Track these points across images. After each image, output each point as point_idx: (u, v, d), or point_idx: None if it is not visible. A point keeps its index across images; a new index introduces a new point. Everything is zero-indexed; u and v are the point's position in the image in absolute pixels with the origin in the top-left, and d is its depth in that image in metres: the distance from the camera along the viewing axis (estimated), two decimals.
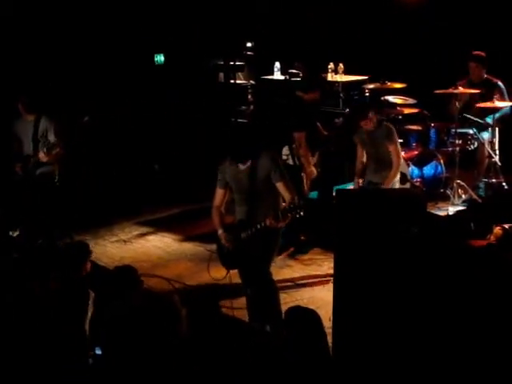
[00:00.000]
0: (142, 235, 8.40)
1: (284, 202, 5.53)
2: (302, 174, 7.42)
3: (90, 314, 4.89)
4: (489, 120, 8.16)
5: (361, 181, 7.16)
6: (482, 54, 8.26)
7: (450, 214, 7.58)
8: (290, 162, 7.39)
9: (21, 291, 5.09)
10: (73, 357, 4.54)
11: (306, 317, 4.09)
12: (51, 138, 7.40)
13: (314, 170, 7.44)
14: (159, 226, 8.62)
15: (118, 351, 3.89)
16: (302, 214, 5.22)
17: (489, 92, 8.02)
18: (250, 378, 3.97)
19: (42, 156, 7.28)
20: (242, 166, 5.57)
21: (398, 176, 7.05)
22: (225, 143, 5.69)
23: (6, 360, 4.44)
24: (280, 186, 5.49)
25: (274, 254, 5.74)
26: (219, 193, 5.75)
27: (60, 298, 4.89)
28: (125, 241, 8.19)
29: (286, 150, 7.46)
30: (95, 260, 5.72)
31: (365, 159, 7.23)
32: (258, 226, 5.42)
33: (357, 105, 7.72)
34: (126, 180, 9.48)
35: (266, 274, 5.69)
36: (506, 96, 8.19)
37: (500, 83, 8.20)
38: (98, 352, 4.61)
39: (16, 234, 6.82)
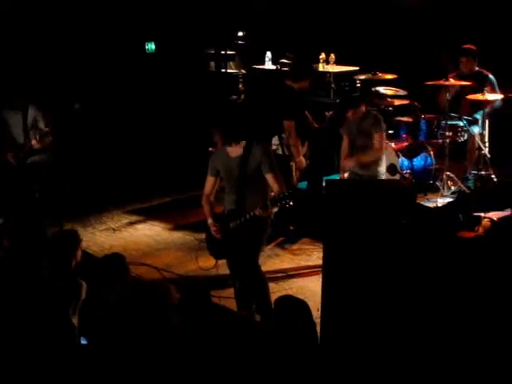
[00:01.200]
0: (132, 224, 8.38)
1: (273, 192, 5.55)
2: (292, 164, 7.41)
3: (80, 303, 4.90)
4: (477, 116, 8.18)
5: (346, 174, 7.14)
6: (473, 47, 8.27)
7: (439, 205, 7.60)
8: (280, 151, 7.39)
9: (11, 279, 5.08)
10: (60, 348, 4.53)
11: (296, 306, 4.10)
12: (42, 126, 7.39)
13: (303, 159, 7.43)
14: (149, 215, 8.61)
15: (106, 340, 3.90)
16: (290, 204, 5.23)
17: (480, 84, 8.03)
18: (241, 366, 3.98)
19: (34, 143, 7.28)
20: (233, 155, 5.57)
21: (384, 167, 7.02)
22: (216, 123, 5.70)
23: None
24: (269, 177, 5.49)
25: (262, 244, 5.75)
26: (210, 180, 5.76)
27: (49, 287, 4.88)
28: (114, 229, 8.18)
29: (275, 140, 7.44)
30: (85, 248, 5.69)
31: (346, 154, 7.18)
32: (247, 216, 5.44)
33: (349, 96, 7.70)
34: (116, 168, 9.45)
35: (254, 265, 5.70)
36: (497, 88, 8.21)
37: (491, 76, 8.22)
38: (84, 342, 4.61)
39: (0, 221, 6.80)
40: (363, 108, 6.92)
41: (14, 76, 8.10)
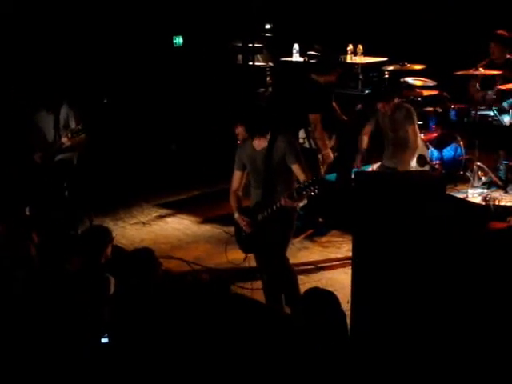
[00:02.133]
0: (161, 217, 8.43)
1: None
2: (319, 157, 7.39)
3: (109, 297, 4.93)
4: (505, 105, 8.07)
5: (375, 166, 7.13)
6: (505, 33, 8.13)
7: (470, 196, 7.54)
8: (307, 145, 7.37)
9: (40, 275, 5.12)
10: (87, 343, 4.56)
11: (323, 298, 4.09)
12: (72, 124, 7.42)
13: (330, 152, 7.40)
14: (178, 209, 8.65)
15: (135, 334, 3.91)
16: (316, 191, 5.19)
17: (511, 73, 7.92)
18: (271, 359, 3.99)
19: (65, 140, 7.29)
20: (258, 148, 5.56)
21: (414, 159, 6.99)
22: (238, 116, 5.70)
23: (18, 343, 4.48)
24: (295, 168, 5.48)
25: (289, 237, 5.74)
26: (237, 175, 5.76)
27: (78, 283, 4.91)
28: (144, 223, 8.23)
29: (302, 133, 7.43)
30: (115, 242, 5.72)
31: (366, 138, 7.18)
32: (274, 207, 5.42)
33: (381, 89, 7.65)
34: (145, 162, 9.50)
35: (282, 258, 5.69)
36: None
37: None
38: (105, 340, 4.61)
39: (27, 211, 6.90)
40: (395, 100, 6.89)
41: (45, 75, 8.15)
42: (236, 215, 5.70)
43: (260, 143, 5.57)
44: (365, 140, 7.27)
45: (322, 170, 7.45)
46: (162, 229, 8.08)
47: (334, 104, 7.68)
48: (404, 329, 4.61)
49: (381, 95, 7.03)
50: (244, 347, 4.05)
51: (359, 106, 8.02)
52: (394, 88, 7.38)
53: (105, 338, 4.58)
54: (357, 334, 4.71)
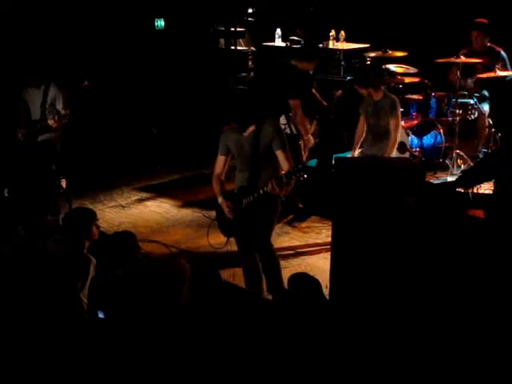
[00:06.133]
0: (141, 201, 8.42)
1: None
2: (300, 143, 7.40)
3: (89, 279, 4.92)
4: (486, 93, 8.12)
5: (357, 153, 7.16)
6: (485, 21, 8.18)
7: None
8: (288, 130, 7.37)
9: (21, 256, 5.10)
10: (68, 323, 4.56)
11: (311, 284, 4.13)
12: (59, 106, 7.38)
13: (311, 138, 7.42)
14: (158, 192, 8.64)
15: (122, 314, 3.92)
16: (305, 176, 5.18)
17: (491, 61, 7.97)
18: (251, 342, 4.01)
19: (51, 122, 7.27)
20: (245, 133, 5.55)
21: (395, 150, 7.02)
22: (227, 111, 5.66)
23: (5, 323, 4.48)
24: (279, 154, 5.46)
25: (273, 222, 5.73)
26: (220, 160, 5.73)
27: (58, 263, 4.90)
28: (123, 206, 8.21)
29: (283, 119, 7.42)
30: None
31: (364, 130, 7.21)
32: (261, 191, 5.41)
33: (370, 73, 7.67)
34: (125, 145, 9.47)
35: (267, 243, 5.70)
36: (509, 65, 8.14)
37: (503, 52, 8.14)
38: (101, 316, 4.64)
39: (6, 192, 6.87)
40: (381, 88, 6.91)
41: (34, 55, 8.07)
42: (220, 199, 5.67)
43: (248, 129, 5.55)
44: (360, 129, 7.23)
45: (304, 155, 7.46)
46: (141, 212, 8.06)
47: (313, 90, 7.68)
48: (382, 314, 4.66)
49: (369, 81, 7.02)
50: (225, 330, 4.07)
51: (339, 93, 8.03)
52: (380, 74, 7.39)
53: (100, 313, 4.61)
54: (334, 318, 4.75)
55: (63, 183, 7.11)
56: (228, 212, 5.62)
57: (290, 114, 7.38)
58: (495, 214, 4.92)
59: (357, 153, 7.16)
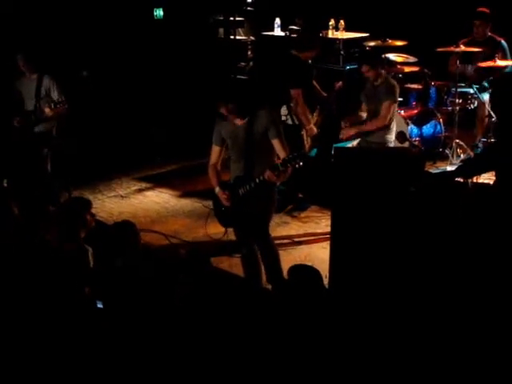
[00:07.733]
0: (140, 191, 8.42)
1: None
2: (302, 133, 7.37)
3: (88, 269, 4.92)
4: (486, 84, 8.10)
5: (355, 142, 7.12)
6: (487, 10, 8.15)
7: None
8: (289, 121, 7.32)
9: (19, 245, 5.10)
10: (72, 311, 4.57)
11: (312, 275, 4.13)
12: (54, 95, 7.37)
13: (313, 127, 7.38)
14: (157, 182, 8.63)
15: (120, 304, 3.92)
16: (300, 164, 5.17)
17: (491, 51, 7.94)
18: (250, 333, 4.02)
19: (47, 111, 7.25)
20: (239, 122, 5.53)
21: (393, 135, 6.98)
22: (223, 99, 5.63)
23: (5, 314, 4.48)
24: (276, 143, 5.44)
25: (271, 211, 5.73)
26: (215, 150, 5.71)
27: (55, 254, 4.89)
28: (123, 196, 8.21)
29: (284, 110, 7.35)
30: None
31: (364, 115, 7.17)
32: (257, 181, 5.40)
33: (369, 51, 7.61)
34: (124, 135, 9.45)
35: (265, 233, 5.68)
36: (509, 56, 8.11)
37: (503, 42, 8.10)
38: (100, 306, 4.64)
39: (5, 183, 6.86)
40: (382, 70, 6.87)
41: (29, 45, 8.05)
42: (217, 189, 5.66)
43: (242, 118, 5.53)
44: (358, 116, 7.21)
45: (307, 145, 7.43)
46: (141, 202, 8.06)
47: (313, 81, 7.64)
48: (381, 303, 4.66)
49: (367, 57, 6.99)
50: (223, 320, 4.07)
51: (340, 84, 8.00)
52: (379, 54, 7.38)
53: (99, 303, 4.62)
54: (334, 308, 4.75)
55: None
56: (224, 201, 5.61)
57: (291, 104, 7.35)
58: (496, 205, 4.91)
59: (356, 142, 7.14)
